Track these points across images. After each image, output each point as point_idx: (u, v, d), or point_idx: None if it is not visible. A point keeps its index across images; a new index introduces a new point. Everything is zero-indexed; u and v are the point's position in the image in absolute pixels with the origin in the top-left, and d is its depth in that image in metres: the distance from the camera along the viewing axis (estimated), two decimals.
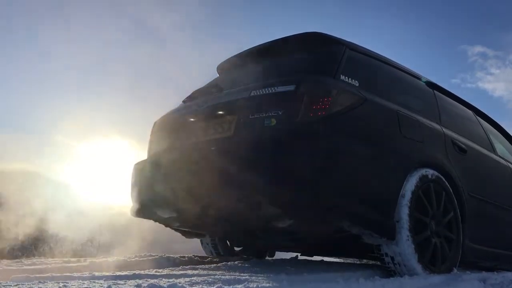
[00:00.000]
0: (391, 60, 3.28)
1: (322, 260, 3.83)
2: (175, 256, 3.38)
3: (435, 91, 3.56)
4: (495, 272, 3.10)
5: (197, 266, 2.82)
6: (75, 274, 2.20)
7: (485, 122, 4.21)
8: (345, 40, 2.98)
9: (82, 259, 3.18)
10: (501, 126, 4.47)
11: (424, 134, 2.99)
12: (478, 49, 17.67)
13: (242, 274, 2.42)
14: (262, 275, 2.45)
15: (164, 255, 3.32)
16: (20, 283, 1.93)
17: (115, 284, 1.93)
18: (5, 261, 2.99)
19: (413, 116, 2.96)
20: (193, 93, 3.32)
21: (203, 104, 2.96)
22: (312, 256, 3.73)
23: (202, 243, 3.90)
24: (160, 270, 2.58)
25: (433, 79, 3.64)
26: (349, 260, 4.18)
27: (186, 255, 3.50)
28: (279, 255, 3.93)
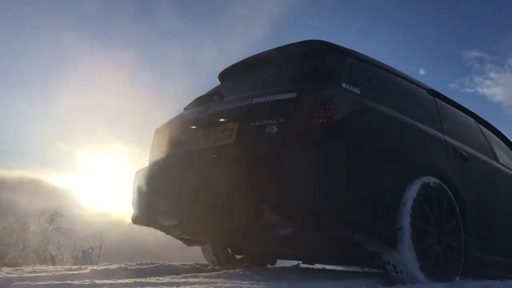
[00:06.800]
0: (393, 68, 3.29)
1: (324, 268, 3.81)
2: (176, 263, 3.37)
3: (436, 99, 3.56)
4: (498, 280, 3.09)
5: (198, 274, 2.81)
6: (76, 282, 2.19)
7: (487, 130, 4.21)
8: (346, 48, 2.99)
9: (83, 266, 3.17)
10: (502, 134, 4.46)
11: (426, 142, 2.99)
12: (475, 53, 17.66)
13: (243, 282, 2.41)
14: (263, 283, 2.44)
15: (165, 263, 3.30)
16: None
17: None
18: (5, 269, 2.98)
19: (414, 123, 2.96)
20: (194, 101, 3.33)
21: (204, 112, 2.97)
22: (313, 264, 3.71)
23: (203, 251, 3.89)
24: (161, 278, 2.56)
25: (431, 84, 3.66)
26: (351, 268, 4.16)
27: (187, 263, 3.49)
28: (281, 263, 3.91)
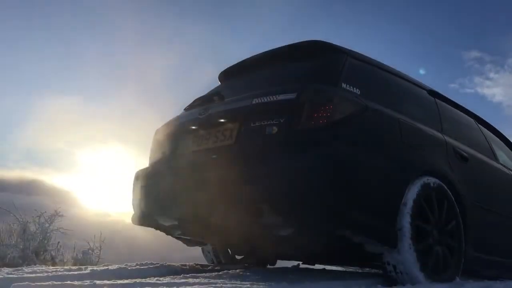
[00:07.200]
0: (393, 68, 3.29)
1: (324, 268, 3.81)
2: (176, 264, 3.37)
3: (436, 99, 3.56)
4: (498, 281, 3.09)
5: (198, 275, 2.81)
6: (76, 283, 2.19)
7: (487, 130, 4.21)
8: (346, 48, 2.99)
9: (83, 267, 3.17)
10: (502, 134, 4.47)
11: (426, 142, 2.99)
12: (475, 54, 17.67)
13: (243, 283, 2.41)
14: (263, 283, 2.44)
15: (165, 263, 3.30)
16: None
17: None
18: (6, 269, 2.98)
19: (414, 124, 2.96)
20: (194, 101, 3.33)
21: (204, 112, 2.97)
22: (313, 264, 3.71)
23: (203, 251, 3.90)
24: (161, 279, 2.57)
25: (431, 84, 3.66)
26: (351, 269, 4.16)
27: (187, 264, 3.49)
28: (281, 263, 3.91)
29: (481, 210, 3.25)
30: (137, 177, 3.27)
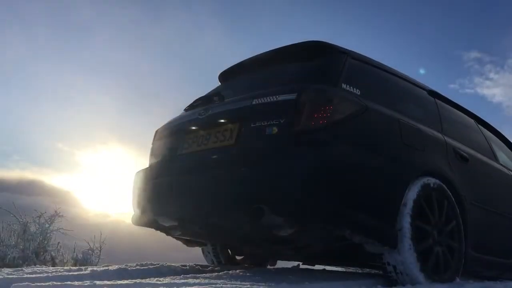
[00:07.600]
0: (393, 69, 3.29)
1: (324, 269, 3.81)
2: (176, 264, 3.37)
3: (436, 100, 3.56)
4: (498, 281, 3.09)
5: (199, 275, 2.81)
6: (76, 283, 2.19)
7: (487, 131, 4.21)
8: (346, 49, 3.00)
9: (83, 267, 3.17)
10: (502, 134, 4.47)
11: (426, 142, 2.99)
12: (474, 54, 17.62)
13: (243, 283, 2.41)
14: (263, 284, 2.44)
15: (165, 263, 3.31)
16: None
17: None
18: (6, 270, 2.99)
19: (414, 124, 2.96)
20: (194, 102, 3.33)
21: (204, 113, 2.97)
22: (313, 265, 3.71)
23: (203, 252, 3.90)
24: (162, 279, 2.57)
25: (431, 85, 3.66)
26: (351, 269, 4.16)
27: (187, 264, 3.49)
28: (281, 264, 3.91)
29: (481, 210, 3.25)
30: (137, 178, 3.27)
